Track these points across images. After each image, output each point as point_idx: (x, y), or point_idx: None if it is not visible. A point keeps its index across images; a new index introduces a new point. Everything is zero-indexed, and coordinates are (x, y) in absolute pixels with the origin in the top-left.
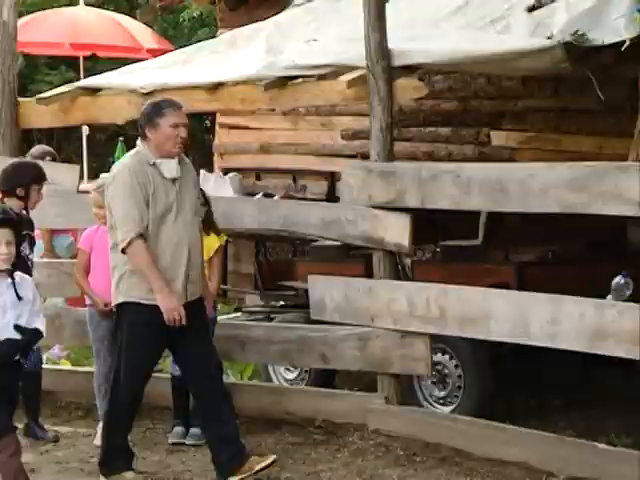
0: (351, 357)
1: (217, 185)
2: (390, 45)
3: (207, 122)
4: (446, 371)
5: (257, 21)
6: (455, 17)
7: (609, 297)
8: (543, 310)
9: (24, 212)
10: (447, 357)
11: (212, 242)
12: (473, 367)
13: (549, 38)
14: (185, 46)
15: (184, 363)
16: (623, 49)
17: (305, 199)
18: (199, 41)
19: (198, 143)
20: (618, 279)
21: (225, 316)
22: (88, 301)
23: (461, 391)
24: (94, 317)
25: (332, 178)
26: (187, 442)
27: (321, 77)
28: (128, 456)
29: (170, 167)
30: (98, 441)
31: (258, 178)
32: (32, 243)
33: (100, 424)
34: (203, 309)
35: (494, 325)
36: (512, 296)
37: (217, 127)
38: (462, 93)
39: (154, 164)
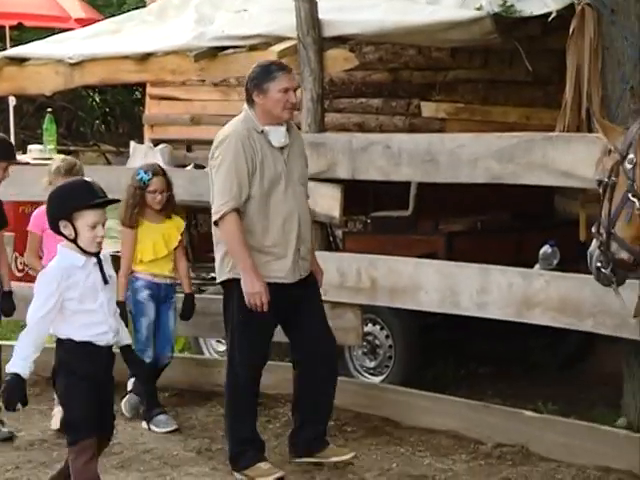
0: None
1: (148, 157)
2: (321, 16)
3: (137, 93)
4: (377, 342)
5: None
6: None
7: (537, 266)
8: (472, 280)
9: None
10: (378, 328)
11: (172, 230)
12: (403, 337)
13: (478, 9)
14: (114, 16)
15: (296, 343)
16: (550, 20)
17: None
18: (128, 11)
19: (128, 114)
20: (545, 248)
21: None
22: None
23: (392, 361)
24: None
25: None
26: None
27: (252, 48)
28: (259, 446)
29: (278, 135)
30: (55, 425)
31: (189, 149)
32: None
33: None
34: (316, 286)
35: (424, 295)
36: (442, 266)
37: (147, 98)
38: (392, 64)
39: (262, 132)
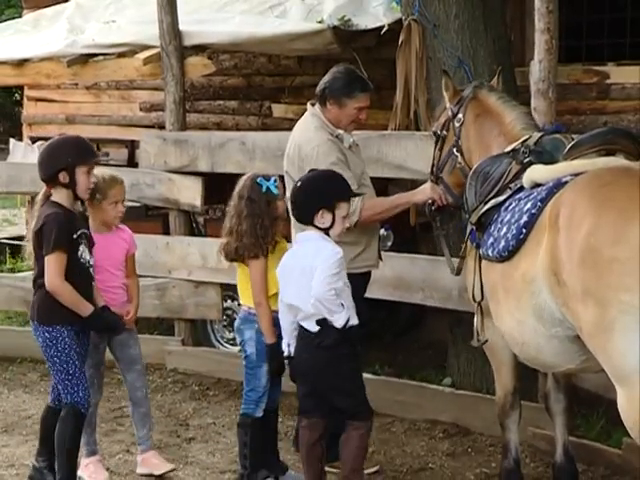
0: (150, 305)
1: (26, 153)
2: (181, 27)
3: (17, 95)
4: (235, 315)
5: (60, 3)
6: (238, 3)
7: None
8: None
9: (78, 204)
10: (236, 303)
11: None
12: None
13: (320, 22)
14: None
15: None
16: (382, 33)
17: (108, 165)
18: (6, 21)
19: (8, 114)
20: (381, 231)
21: (23, 274)
22: None
23: None
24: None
25: (132, 146)
26: None
27: (120, 55)
28: None
29: (348, 137)
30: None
31: None
32: (91, 244)
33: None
34: None
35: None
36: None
37: (25, 100)
38: (246, 70)
39: (337, 136)
